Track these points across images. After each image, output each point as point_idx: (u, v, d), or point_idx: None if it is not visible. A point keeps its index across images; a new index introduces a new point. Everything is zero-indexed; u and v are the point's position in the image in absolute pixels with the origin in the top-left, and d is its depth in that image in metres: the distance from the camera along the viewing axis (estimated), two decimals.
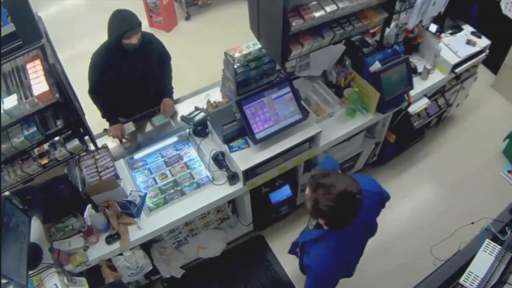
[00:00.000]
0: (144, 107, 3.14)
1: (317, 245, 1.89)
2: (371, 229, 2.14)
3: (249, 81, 2.79)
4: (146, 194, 2.66)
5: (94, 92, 2.92)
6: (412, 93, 3.11)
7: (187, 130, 3.00)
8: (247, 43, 2.68)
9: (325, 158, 2.26)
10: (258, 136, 2.62)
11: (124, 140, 2.98)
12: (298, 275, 3.23)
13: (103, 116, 3.05)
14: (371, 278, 3.19)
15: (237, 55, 2.62)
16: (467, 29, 3.55)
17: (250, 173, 2.68)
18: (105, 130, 3.04)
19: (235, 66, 2.65)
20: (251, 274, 3.25)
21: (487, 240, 2.31)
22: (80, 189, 2.46)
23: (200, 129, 2.91)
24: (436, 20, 3.29)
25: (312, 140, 2.82)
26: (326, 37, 2.45)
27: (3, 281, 1.96)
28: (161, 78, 3.12)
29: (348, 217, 1.74)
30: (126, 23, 2.63)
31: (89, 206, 2.43)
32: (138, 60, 2.83)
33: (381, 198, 2.14)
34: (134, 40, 2.68)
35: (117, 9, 2.66)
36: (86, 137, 2.38)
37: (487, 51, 3.52)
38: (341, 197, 1.65)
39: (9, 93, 2.02)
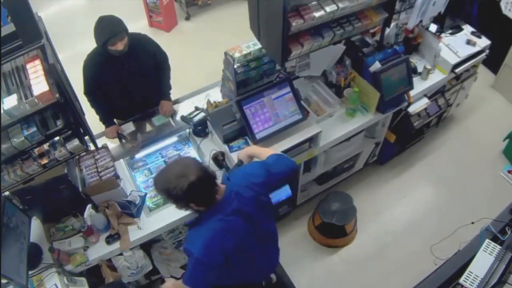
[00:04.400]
0: (142, 108, 3.13)
1: (193, 228, 1.92)
2: (260, 225, 2.01)
3: (249, 81, 2.79)
4: (146, 194, 2.66)
5: (88, 95, 2.91)
6: (412, 93, 3.11)
7: (187, 130, 3.00)
8: (247, 43, 2.68)
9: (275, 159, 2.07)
10: (258, 136, 2.62)
11: (124, 141, 2.97)
12: (298, 275, 3.23)
13: (100, 120, 3.05)
14: (371, 278, 3.20)
15: (237, 55, 2.62)
16: (467, 29, 3.55)
17: None
18: (103, 133, 3.04)
19: (235, 66, 2.65)
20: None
21: (487, 240, 2.31)
22: (80, 189, 2.46)
23: (200, 129, 2.91)
24: (436, 20, 3.30)
25: (312, 140, 2.82)
26: (326, 37, 2.45)
27: (3, 281, 1.96)
28: (158, 79, 3.09)
29: (206, 193, 1.80)
30: (109, 30, 2.59)
31: (89, 206, 2.43)
32: (129, 64, 2.80)
33: (267, 187, 2.01)
34: (120, 46, 2.63)
35: (101, 16, 2.63)
36: (86, 137, 2.38)
37: (487, 51, 3.52)
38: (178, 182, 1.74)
39: (9, 93, 2.02)
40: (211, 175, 1.83)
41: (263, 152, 2.17)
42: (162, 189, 1.80)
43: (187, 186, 1.71)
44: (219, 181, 1.92)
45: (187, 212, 2.58)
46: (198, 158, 2.89)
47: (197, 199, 1.80)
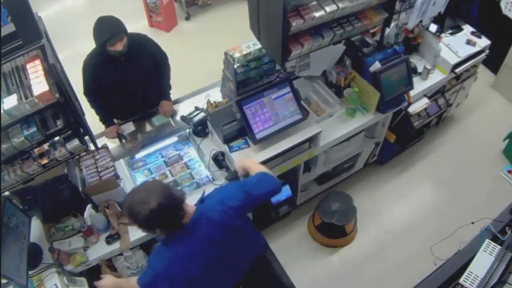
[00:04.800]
0: (142, 108, 3.13)
1: (161, 247, 1.88)
2: (231, 249, 1.95)
3: (249, 81, 2.79)
4: None
5: (88, 95, 2.91)
6: (412, 93, 3.11)
7: (187, 130, 3.00)
8: (247, 43, 2.68)
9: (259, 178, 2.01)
10: (258, 136, 2.62)
11: (124, 141, 2.97)
12: (298, 275, 3.23)
13: (100, 120, 3.05)
14: (371, 278, 3.20)
15: (237, 55, 2.62)
16: (467, 29, 3.55)
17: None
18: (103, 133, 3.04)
19: (235, 66, 2.65)
20: (251, 274, 3.24)
21: (487, 240, 2.31)
22: (80, 189, 2.46)
23: (200, 129, 2.90)
24: (436, 20, 3.30)
25: (312, 140, 2.82)
26: (326, 37, 2.45)
27: (3, 281, 1.96)
28: (158, 79, 3.09)
29: (170, 220, 1.75)
30: (108, 30, 2.58)
31: (89, 206, 2.44)
32: (129, 65, 2.80)
33: (244, 210, 1.94)
34: (119, 47, 2.63)
35: (100, 16, 2.62)
36: (86, 137, 2.39)
37: (487, 51, 3.52)
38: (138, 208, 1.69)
39: (9, 93, 2.02)
40: (176, 200, 1.74)
41: (255, 169, 2.10)
42: (127, 214, 1.76)
43: (149, 213, 1.65)
44: (192, 202, 1.88)
45: None
46: (198, 158, 2.90)
47: (160, 225, 1.75)
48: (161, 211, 1.67)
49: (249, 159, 2.46)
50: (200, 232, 1.79)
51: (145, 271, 1.86)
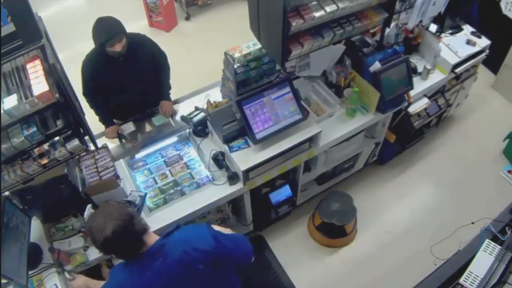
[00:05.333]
0: (141, 109, 3.13)
1: (118, 265, 1.79)
2: None
3: (249, 81, 2.79)
4: (146, 194, 2.66)
5: (87, 95, 2.91)
6: (412, 93, 3.11)
7: (187, 130, 3.00)
8: (247, 43, 2.68)
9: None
10: (258, 136, 2.62)
11: (124, 141, 2.97)
12: (298, 275, 3.23)
13: (100, 120, 3.05)
14: (371, 278, 3.20)
15: (237, 55, 2.62)
16: (467, 29, 3.55)
17: (250, 173, 2.68)
18: (103, 133, 3.04)
19: (235, 66, 2.65)
20: (251, 274, 3.25)
21: (487, 240, 2.31)
22: (80, 189, 2.46)
23: (200, 129, 2.90)
24: (436, 20, 3.30)
25: (312, 140, 2.82)
26: (326, 37, 2.45)
27: (3, 281, 1.96)
28: (157, 79, 3.09)
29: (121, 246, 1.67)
30: (107, 31, 2.58)
31: (89, 206, 2.43)
32: (128, 65, 2.79)
33: (210, 258, 1.75)
34: (118, 47, 2.63)
35: (99, 17, 2.62)
36: (86, 137, 2.38)
37: (487, 51, 3.52)
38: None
39: (9, 93, 2.02)
40: (134, 232, 1.65)
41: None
42: (88, 235, 1.71)
43: (103, 240, 1.59)
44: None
45: (187, 212, 2.61)
46: (198, 158, 2.90)
47: (114, 253, 1.70)
48: (115, 240, 1.61)
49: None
50: (155, 264, 1.69)
51: (104, 284, 1.82)
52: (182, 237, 1.75)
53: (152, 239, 1.73)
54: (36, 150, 2.23)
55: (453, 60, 3.32)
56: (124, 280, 1.71)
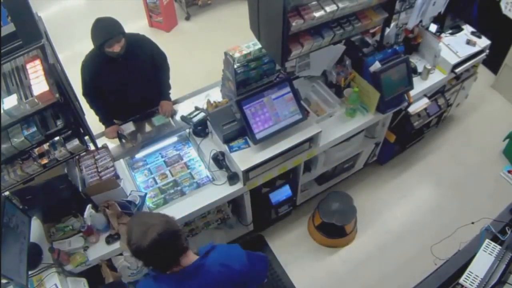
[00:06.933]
0: (141, 109, 3.13)
1: (147, 279, 1.75)
2: None
3: (249, 81, 2.79)
4: (146, 194, 2.66)
5: (87, 96, 2.91)
6: (412, 93, 3.11)
7: (187, 130, 3.00)
8: (247, 43, 2.68)
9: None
10: (258, 136, 2.62)
11: (124, 141, 2.97)
12: (298, 275, 3.23)
13: (100, 121, 3.05)
14: (371, 278, 3.20)
15: (237, 55, 2.62)
16: (467, 29, 3.55)
17: (250, 173, 2.68)
18: (103, 133, 3.04)
19: (235, 66, 2.65)
20: None
21: (487, 240, 2.31)
22: (80, 189, 2.46)
23: (200, 129, 2.90)
24: (436, 20, 3.30)
25: (312, 140, 2.82)
26: (326, 37, 2.45)
27: (3, 281, 1.96)
28: (157, 79, 3.09)
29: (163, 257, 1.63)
30: (106, 32, 2.58)
31: (89, 206, 2.43)
32: (127, 65, 2.79)
33: (239, 279, 1.76)
34: (116, 48, 2.63)
35: (98, 18, 2.62)
36: (86, 137, 2.38)
37: (487, 51, 3.52)
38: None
39: (9, 93, 2.02)
40: (179, 243, 1.62)
41: None
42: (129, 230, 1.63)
43: (152, 240, 1.53)
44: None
45: (187, 212, 2.60)
46: (198, 158, 2.90)
47: (150, 258, 1.62)
48: (159, 244, 1.55)
49: None
50: (190, 283, 1.67)
51: None
52: (219, 258, 1.73)
53: (190, 258, 1.70)
54: (36, 150, 2.24)
55: (453, 60, 3.32)
56: None
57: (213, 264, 1.70)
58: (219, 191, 2.70)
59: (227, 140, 2.71)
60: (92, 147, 2.52)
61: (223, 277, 1.70)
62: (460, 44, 3.41)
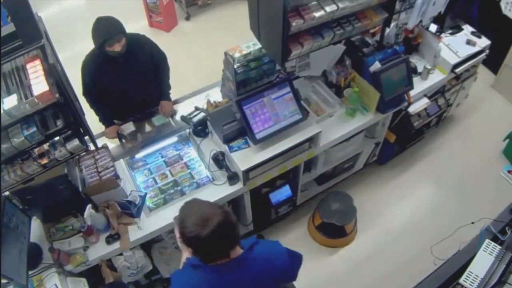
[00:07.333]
0: (141, 109, 3.13)
1: (188, 268, 1.72)
2: None
3: (249, 81, 2.79)
4: (146, 194, 2.66)
5: (87, 96, 2.91)
6: (412, 93, 3.11)
7: (187, 130, 3.00)
8: (247, 43, 2.68)
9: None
10: (258, 136, 2.62)
11: (124, 141, 2.97)
12: (298, 275, 3.22)
13: (100, 121, 3.05)
14: (371, 278, 3.20)
15: (237, 55, 2.62)
16: (467, 29, 3.55)
17: (250, 173, 2.68)
18: (103, 133, 3.04)
19: (235, 66, 2.65)
20: None
21: (487, 240, 2.31)
22: (80, 189, 2.46)
23: (200, 129, 2.90)
24: (436, 20, 3.30)
25: (312, 140, 2.82)
26: (326, 37, 2.45)
27: (3, 281, 1.95)
28: (157, 79, 3.08)
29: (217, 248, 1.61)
30: (107, 31, 2.58)
31: (89, 206, 2.43)
32: (128, 65, 2.79)
33: (279, 275, 1.80)
34: (117, 47, 2.63)
35: (99, 17, 2.62)
36: (86, 137, 2.38)
37: (487, 51, 3.52)
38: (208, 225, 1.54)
39: (9, 93, 2.02)
40: (234, 234, 1.61)
41: None
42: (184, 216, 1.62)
43: (212, 228, 1.51)
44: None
45: None
46: (198, 158, 2.90)
47: (205, 246, 1.58)
48: (217, 233, 1.53)
49: None
50: (233, 275, 1.67)
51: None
52: (263, 253, 1.74)
53: (237, 251, 1.69)
54: (36, 150, 2.23)
55: (453, 60, 3.32)
56: (200, 280, 1.66)
57: (257, 258, 1.71)
58: (219, 191, 2.70)
59: (227, 140, 2.71)
60: (92, 147, 2.52)
61: (265, 272, 1.72)
62: (460, 44, 3.41)
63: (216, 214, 1.55)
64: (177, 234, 1.76)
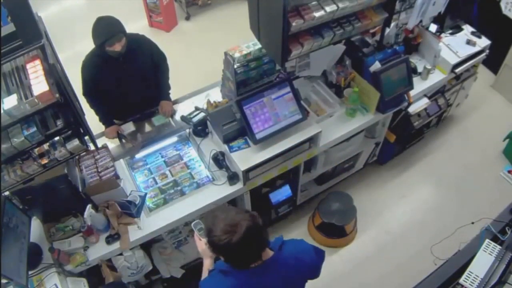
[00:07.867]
0: (141, 109, 3.13)
1: (218, 275, 1.71)
2: None
3: (249, 81, 2.79)
4: (146, 194, 2.66)
5: (87, 96, 2.91)
6: (412, 93, 3.11)
7: (187, 130, 3.00)
8: (247, 43, 2.68)
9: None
10: (258, 136, 2.62)
11: (124, 141, 2.97)
12: None
13: (100, 121, 3.05)
14: (371, 278, 3.20)
15: (237, 55, 2.62)
16: (467, 29, 3.55)
17: (250, 173, 2.68)
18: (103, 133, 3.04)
19: (235, 66, 2.65)
20: None
21: (487, 240, 2.31)
22: (80, 189, 2.46)
23: (200, 129, 2.90)
24: (436, 20, 3.30)
25: (312, 140, 2.82)
26: (326, 37, 2.45)
27: (3, 281, 1.96)
28: (156, 79, 3.08)
29: (247, 253, 1.61)
30: (107, 31, 2.58)
31: (89, 206, 2.43)
32: (127, 65, 2.79)
33: (308, 272, 1.82)
34: (117, 47, 2.63)
35: (99, 17, 2.62)
36: (86, 137, 2.38)
37: (487, 51, 3.52)
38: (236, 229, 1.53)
39: (9, 93, 2.02)
40: (263, 237, 1.60)
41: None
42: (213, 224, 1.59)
43: (240, 236, 1.50)
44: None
45: (187, 212, 2.60)
46: (198, 158, 2.90)
47: (234, 253, 1.58)
48: (246, 239, 1.52)
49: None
50: (265, 277, 1.67)
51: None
52: (293, 252, 1.75)
53: (268, 252, 1.69)
54: (36, 150, 2.23)
55: (453, 60, 3.32)
56: (233, 286, 1.65)
57: (288, 257, 1.72)
58: (219, 191, 2.70)
59: (227, 140, 2.71)
60: (92, 147, 2.52)
61: (296, 270, 1.73)
62: (460, 44, 3.42)
63: (243, 218, 1.54)
64: (198, 242, 1.78)
